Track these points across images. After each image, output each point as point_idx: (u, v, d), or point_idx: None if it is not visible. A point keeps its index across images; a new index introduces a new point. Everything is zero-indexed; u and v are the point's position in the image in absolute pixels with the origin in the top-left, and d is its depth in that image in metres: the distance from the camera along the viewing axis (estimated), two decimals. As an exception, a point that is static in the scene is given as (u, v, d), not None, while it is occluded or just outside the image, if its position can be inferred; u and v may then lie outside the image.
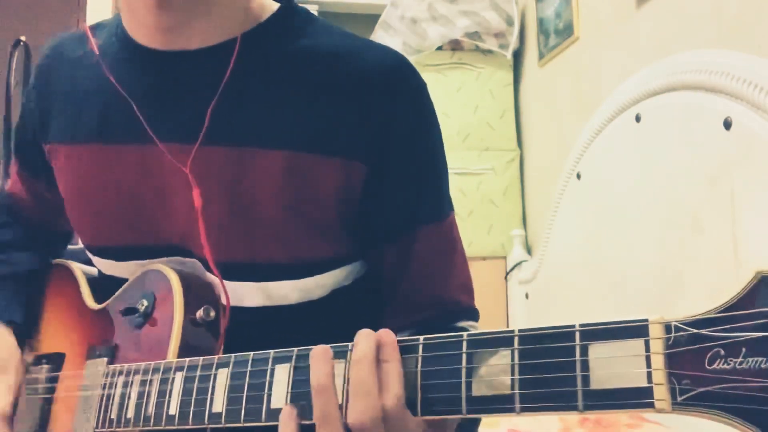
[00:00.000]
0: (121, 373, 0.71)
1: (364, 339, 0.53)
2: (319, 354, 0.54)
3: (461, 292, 0.79)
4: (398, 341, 0.52)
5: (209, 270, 0.74)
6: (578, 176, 2.03)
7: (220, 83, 0.72)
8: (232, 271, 0.73)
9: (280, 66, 0.74)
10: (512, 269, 2.49)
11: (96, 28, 0.84)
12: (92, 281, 0.88)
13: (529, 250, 2.57)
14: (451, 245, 0.79)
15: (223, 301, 0.74)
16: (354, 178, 0.72)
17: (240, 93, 0.73)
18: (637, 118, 1.73)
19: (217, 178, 0.72)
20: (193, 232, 0.73)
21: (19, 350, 0.84)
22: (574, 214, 2.06)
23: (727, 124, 1.38)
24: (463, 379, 0.47)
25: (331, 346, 0.55)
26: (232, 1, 0.74)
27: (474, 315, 0.80)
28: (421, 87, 0.76)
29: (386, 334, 0.53)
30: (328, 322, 0.68)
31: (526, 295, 2.40)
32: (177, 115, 0.74)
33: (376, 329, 0.54)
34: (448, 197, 0.80)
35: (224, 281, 0.73)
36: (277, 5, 0.78)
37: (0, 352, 0.82)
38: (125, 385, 0.70)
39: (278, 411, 0.55)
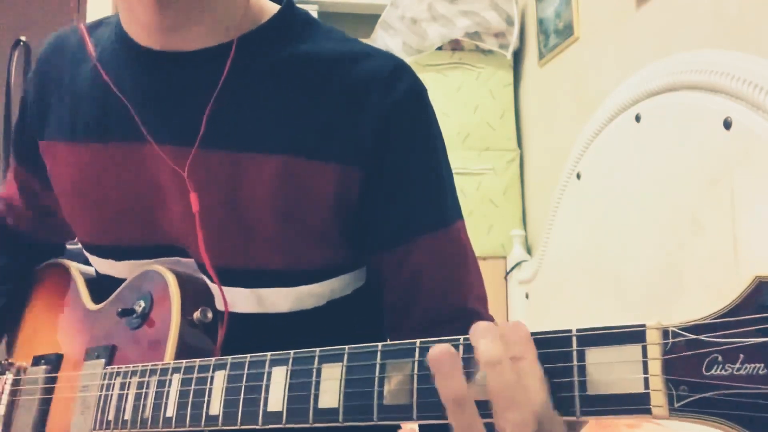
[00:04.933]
0: (118, 374, 0.71)
1: (491, 336, 0.45)
2: (446, 358, 0.45)
3: (479, 303, 0.77)
4: (399, 344, 0.51)
5: (205, 273, 0.74)
6: (578, 176, 2.03)
7: (216, 86, 0.72)
8: (226, 276, 0.73)
9: (276, 70, 0.73)
10: (512, 269, 2.49)
11: (99, 25, 0.84)
12: (90, 282, 0.88)
13: (529, 250, 2.56)
14: (461, 254, 0.76)
15: (219, 305, 0.74)
16: (350, 184, 0.71)
17: (236, 97, 0.72)
18: (637, 118, 1.72)
19: (214, 182, 0.72)
20: (189, 234, 0.73)
21: None
22: (574, 214, 2.06)
23: (727, 124, 1.38)
24: (460, 383, 0.46)
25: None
26: (230, 3, 0.73)
27: None
28: (420, 92, 0.75)
29: (516, 327, 0.45)
30: (323, 333, 0.67)
31: (526, 295, 2.40)
32: (173, 117, 0.73)
33: (373, 341, 0.53)
34: (454, 204, 0.78)
35: (221, 286, 0.73)
36: (276, 7, 0.78)
37: None
38: (123, 386, 0.70)
39: (275, 414, 0.55)
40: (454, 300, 0.75)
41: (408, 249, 0.74)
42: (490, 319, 0.77)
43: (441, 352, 0.45)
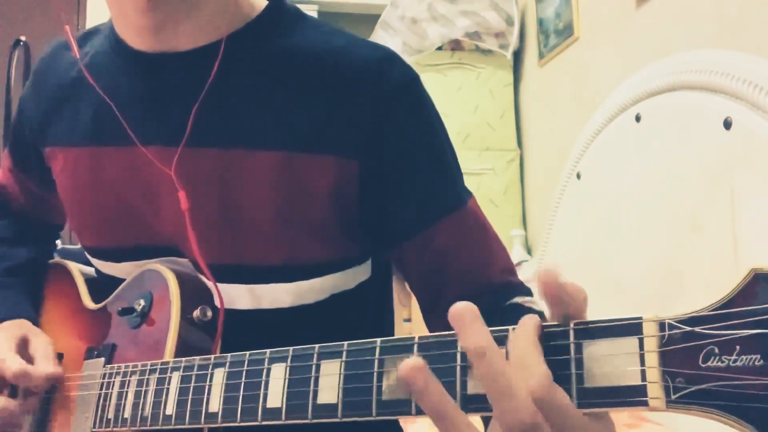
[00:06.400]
0: (118, 373, 0.71)
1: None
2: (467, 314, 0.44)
3: (507, 274, 0.77)
4: (398, 339, 0.51)
5: (200, 271, 0.74)
6: (578, 176, 2.03)
7: (205, 84, 0.72)
8: (222, 273, 0.73)
9: (267, 65, 0.73)
10: (512, 269, 2.49)
11: (94, 32, 0.85)
12: (90, 281, 0.89)
13: (529, 250, 2.56)
14: (479, 231, 0.76)
15: (217, 303, 0.74)
16: (347, 176, 0.71)
17: (226, 94, 0.72)
18: (637, 118, 1.72)
19: (204, 180, 0.72)
20: (182, 233, 0.73)
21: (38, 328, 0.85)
22: (574, 214, 2.06)
23: (727, 124, 1.38)
24: (458, 377, 0.46)
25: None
26: (220, 0, 0.73)
27: (527, 291, 0.77)
28: (411, 79, 0.75)
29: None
30: (326, 328, 0.67)
31: (527, 296, 2.40)
32: (162, 118, 0.74)
33: (377, 335, 0.52)
34: (462, 184, 0.78)
35: (216, 283, 0.73)
36: (265, 2, 0.78)
37: (23, 326, 0.84)
38: (122, 385, 0.70)
39: (274, 410, 0.55)
40: (481, 276, 0.75)
41: (427, 235, 0.73)
42: (522, 284, 0.77)
43: (461, 309, 0.44)
